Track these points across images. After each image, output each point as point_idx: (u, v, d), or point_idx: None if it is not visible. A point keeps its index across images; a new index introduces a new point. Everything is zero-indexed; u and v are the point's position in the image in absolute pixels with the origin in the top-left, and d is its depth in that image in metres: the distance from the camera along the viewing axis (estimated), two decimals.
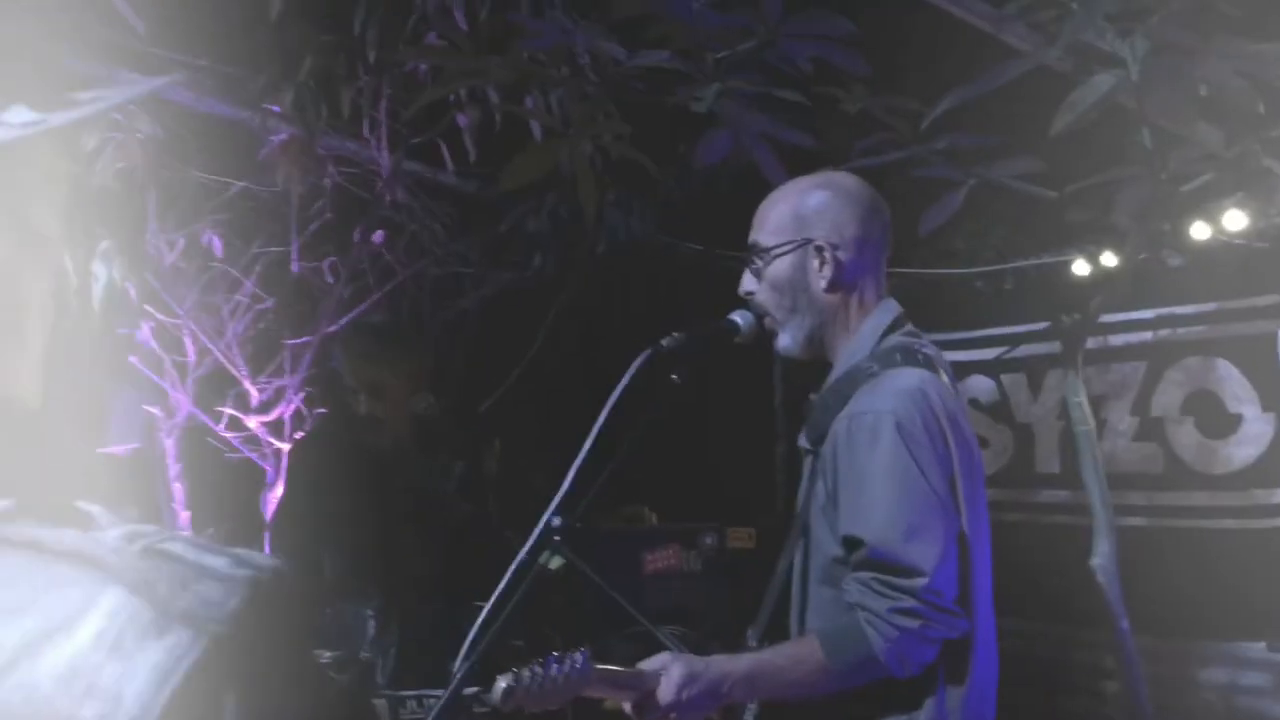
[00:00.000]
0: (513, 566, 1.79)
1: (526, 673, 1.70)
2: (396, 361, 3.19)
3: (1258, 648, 3.68)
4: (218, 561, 0.64)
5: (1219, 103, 2.19)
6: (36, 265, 0.70)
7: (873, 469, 1.87)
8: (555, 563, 1.79)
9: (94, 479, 0.70)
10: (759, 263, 2.05)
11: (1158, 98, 2.11)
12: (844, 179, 2.10)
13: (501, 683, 1.69)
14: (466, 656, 1.77)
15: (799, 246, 2.02)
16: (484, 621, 1.78)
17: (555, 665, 1.73)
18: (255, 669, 0.62)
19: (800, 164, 2.24)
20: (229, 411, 3.79)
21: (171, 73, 3.43)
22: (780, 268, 2.03)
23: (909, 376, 1.93)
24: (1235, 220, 3.18)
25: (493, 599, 1.79)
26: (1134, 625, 3.31)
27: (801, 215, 2.04)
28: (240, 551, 0.65)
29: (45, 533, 0.63)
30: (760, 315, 2.07)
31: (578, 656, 1.75)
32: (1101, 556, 3.05)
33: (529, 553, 1.80)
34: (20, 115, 0.65)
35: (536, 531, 1.81)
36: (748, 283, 2.08)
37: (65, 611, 0.60)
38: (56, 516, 0.65)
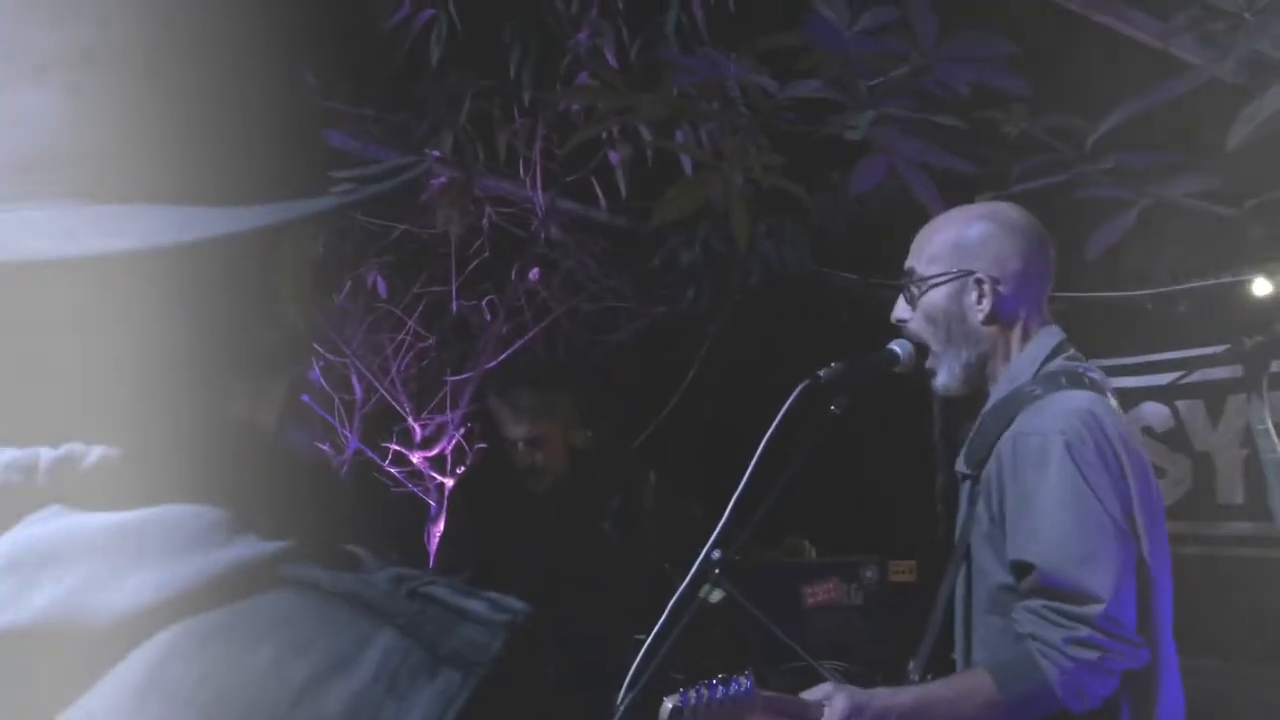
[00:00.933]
0: (673, 600, 1.79)
1: (693, 693, 1.70)
2: (552, 410, 3.23)
3: None
4: (477, 605, 0.66)
5: None
6: (301, 316, 0.74)
7: (1042, 491, 1.80)
8: (715, 596, 1.79)
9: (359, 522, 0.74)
10: (915, 290, 2.01)
11: None
12: (1008, 210, 2.04)
13: (669, 704, 1.69)
14: (629, 690, 1.78)
15: (957, 278, 1.98)
16: (645, 655, 1.78)
17: (720, 688, 1.72)
18: (518, 710, 0.64)
19: (958, 190, 2.20)
20: (394, 447, 3.92)
21: (338, 124, 3.59)
22: (936, 298, 1.99)
23: (1076, 398, 1.86)
24: None
25: (653, 633, 1.79)
26: None
27: (962, 246, 1.99)
28: (494, 595, 0.68)
29: (322, 574, 0.65)
30: (920, 346, 2.03)
31: (743, 680, 1.74)
32: None
33: (689, 586, 1.80)
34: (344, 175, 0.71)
35: (696, 565, 1.80)
36: (901, 310, 2.04)
37: (344, 650, 0.62)
38: (329, 558, 0.67)
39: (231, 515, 0.65)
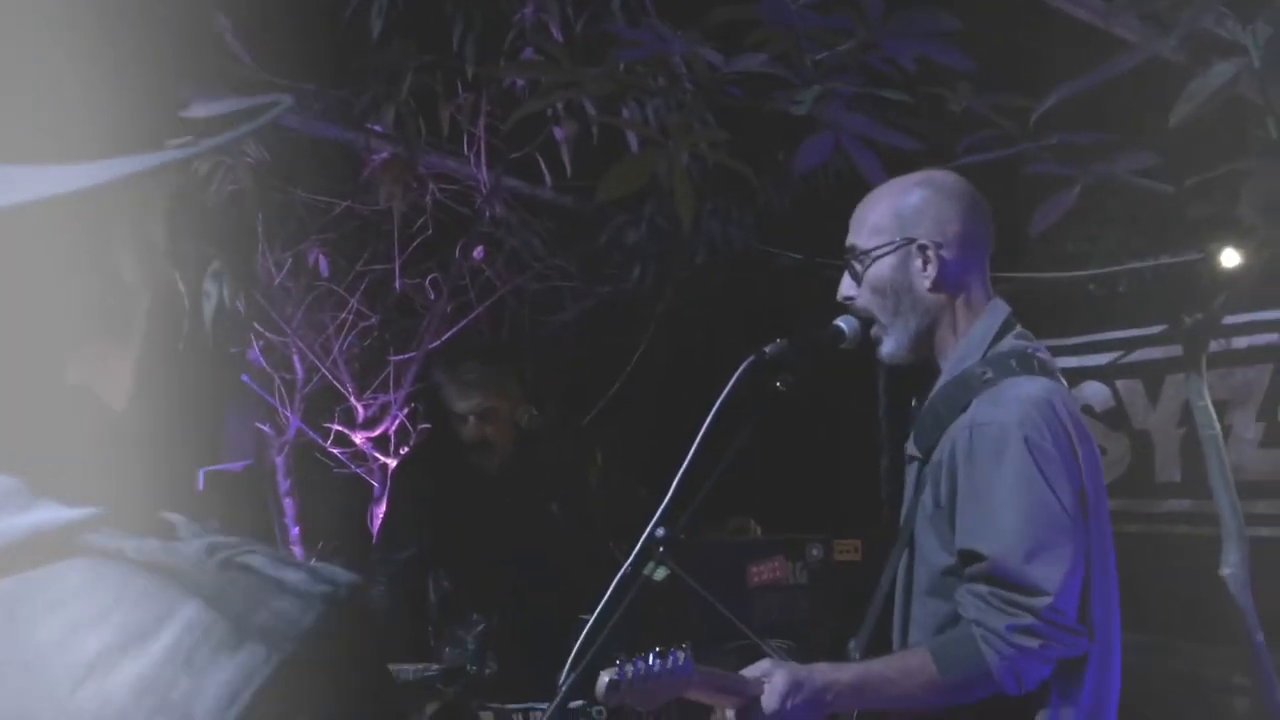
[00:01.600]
0: (617, 578, 1.77)
1: (629, 667, 1.69)
2: (502, 384, 3.21)
3: None
4: (296, 576, 0.63)
5: None
6: (149, 279, 0.71)
7: (997, 484, 1.80)
8: (660, 574, 1.77)
9: (189, 493, 0.70)
10: (859, 266, 2.00)
11: None
12: (943, 176, 2.04)
13: (605, 677, 1.68)
14: (572, 668, 1.76)
15: (900, 246, 1.97)
16: (589, 633, 1.76)
17: (658, 661, 1.71)
18: (328, 687, 0.61)
19: (904, 166, 2.19)
20: (336, 428, 3.86)
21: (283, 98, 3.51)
22: (881, 269, 1.98)
23: (1032, 386, 1.86)
24: None
25: (597, 611, 1.77)
26: (1266, 639, 3.15)
27: (901, 215, 1.98)
28: (320, 566, 0.64)
29: (129, 542, 0.62)
30: (866, 321, 2.02)
31: (679, 654, 1.73)
32: (1232, 566, 2.91)
33: (633, 564, 1.78)
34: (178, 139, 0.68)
35: (640, 543, 1.79)
36: (847, 287, 2.03)
37: (143, 623, 0.59)
38: (141, 525, 0.64)
39: (31, 481, 0.62)
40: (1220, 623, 3.42)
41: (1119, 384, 4.45)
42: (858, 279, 2.01)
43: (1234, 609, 2.95)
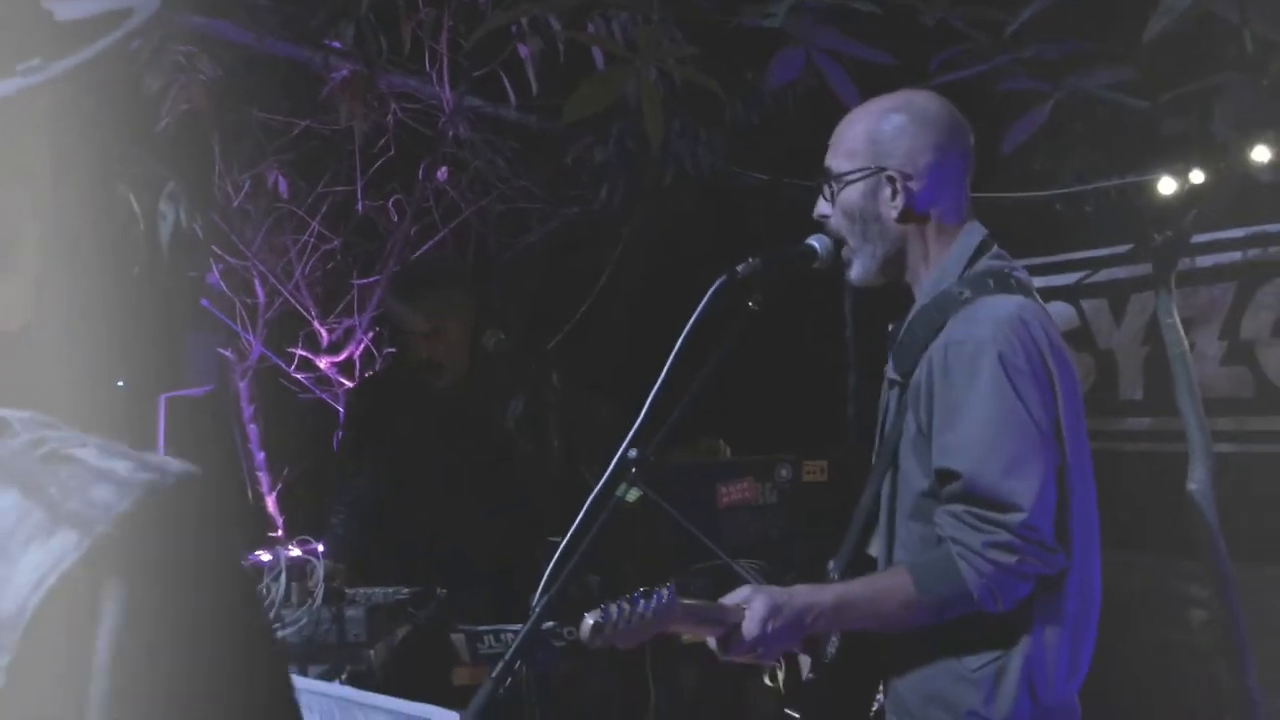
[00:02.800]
0: (589, 500, 1.77)
1: (614, 608, 1.69)
2: (450, 304, 3.16)
3: None
4: (121, 465, 0.62)
5: None
6: (31, 202, 0.70)
7: (972, 401, 1.80)
8: (632, 495, 1.76)
9: (97, 415, 0.69)
10: (832, 188, 1.99)
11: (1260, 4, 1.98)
12: (924, 101, 2.01)
13: (589, 619, 1.67)
14: (545, 590, 1.75)
15: (871, 175, 1.95)
16: (561, 555, 1.76)
17: (642, 601, 1.70)
18: (143, 572, 0.60)
19: (876, 81, 2.15)
20: (300, 353, 3.81)
21: (230, 13, 3.40)
22: (851, 195, 1.97)
23: (1007, 304, 1.86)
24: None
25: (569, 533, 1.76)
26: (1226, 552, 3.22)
27: (876, 140, 1.96)
28: (154, 457, 0.64)
29: None
30: (838, 241, 2.01)
31: (664, 592, 1.73)
32: (1197, 482, 2.95)
33: (605, 485, 1.77)
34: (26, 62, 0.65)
35: (613, 464, 1.78)
36: (822, 207, 2.02)
37: None
38: None
39: None
40: (1179, 537, 3.48)
41: (1084, 304, 4.47)
42: (832, 200, 1.99)
43: (1199, 523, 3.00)
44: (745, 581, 1.94)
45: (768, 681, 3.37)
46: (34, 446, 0.63)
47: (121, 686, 0.58)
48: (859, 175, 1.95)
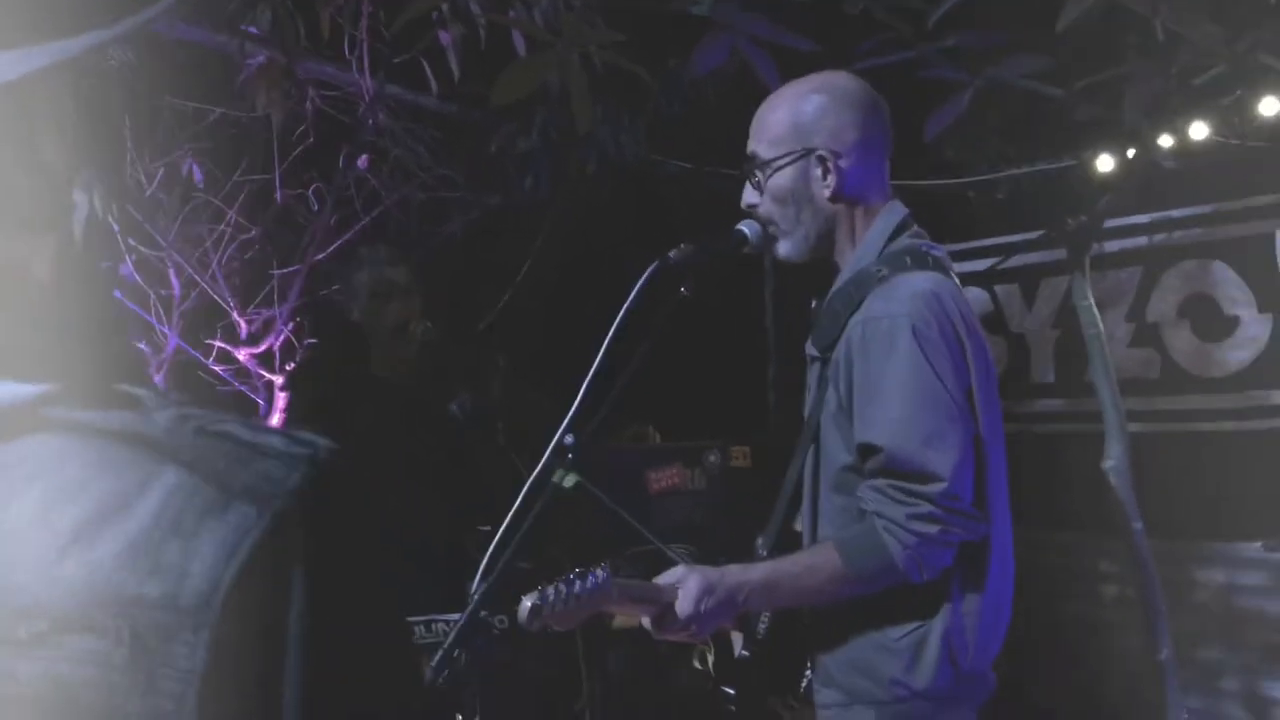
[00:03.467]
0: (526, 486, 1.77)
1: (551, 590, 1.69)
2: (410, 274, 3.15)
3: (1254, 548, 3.71)
4: (274, 440, 0.63)
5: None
6: (70, 164, 0.70)
7: (888, 375, 1.84)
8: (569, 481, 1.77)
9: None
10: (759, 175, 2.00)
11: None
12: (841, 80, 2.04)
13: (527, 601, 1.68)
14: (483, 578, 1.75)
15: (800, 157, 1.97)
16: (498, 543, 1.76)
17: (578, 582, 1.71)
18: (320, 544, 0.61)
19: (800, 69, 2.17)
20: (218, 344, 3.74)
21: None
22: (782, 180, 1.98)
23: (922, 280, 1.90)
24: (1232, 119, 3.14)
25: (506, 520, 1.76)
26: None
27: (800, 124, 1.98)
28: (296, 431, 0.64)
29: (94, 415, 0.61)
30: (766, 226, 2.03)
31: (599, 572, 1.74)
32: (1114, 459, 3.04)
33: (542, 471, 1.78)
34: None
35: (549, 450, 1.78)
36: (749, 195, 2.03)
37: (123, 491, 0.59)
38: (103, 400, 0.63)
39: None
40: (1093, 515, 3.59)
41: (997, 289, 4.57)
42: (759, 188, 2.01)
43: (1114, 500, 3.09)
44: (675, 565, 1.96)
45: (697, 665, 3.42)
46: (182, 422, 0.62)
47: (314, 657, 0.59)
48: (789, 159, 1.97)
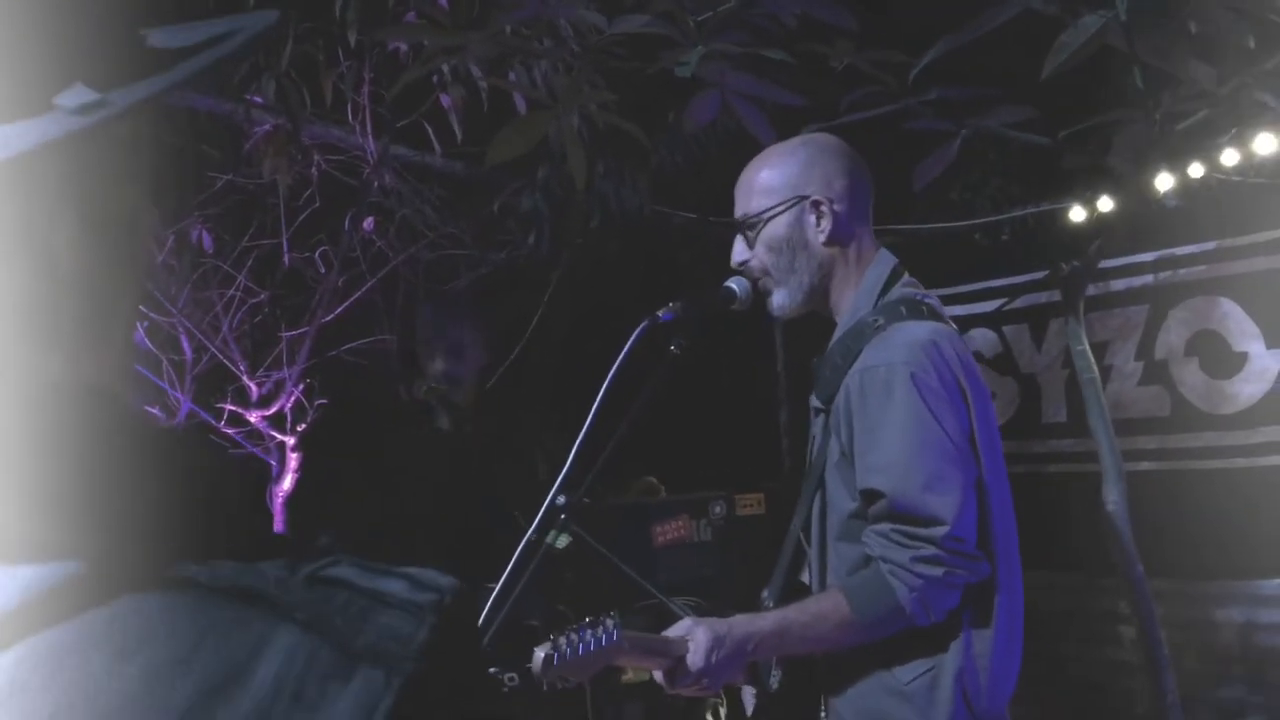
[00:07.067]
0: (520, 546, 1.78)
1: (563, 640, 1.70)
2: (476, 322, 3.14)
3: (1273, 585, 3.68)
4: (395, 586, 0.56)
5: (1210, 39, 2.15)
6: (123, 255, 0.63)
7: (888, 421, 1.85)
8: (562, 541, 1.78)
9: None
10: (751, 232, 2.03)
11: (1147, 37, 2.07)
12: (821, 137, 2.09)
13: (539, 653, 1.69)
14: (480, 636, 1.76)
15: (794, 204, 2.00)
16: (494, 602, 1.77)
17: (589, 633, 1.72)
18: (451, 704, 0.55)
19: (789, 123, 2.21)
20: (229, 408, 3.78)
21: (152, 68, 3.39)
22: (776, 228, 2.01)
23: (920, 329, 1.92)
24: (1231, 157, 3.15)
25: (502, 579, 1.77)
26: (1149, 569, 3.29)
27: (789, 174, 2.02)
28: (414, 571, 0.57)
29: (198, 568, 0.54)
30: (754, 279, 2.05)
31: (608, 623, 1.75)
32: (1112, 503, 3.03)
33: (536, 532, 1.79)
34: (78, 96, 0.56)
35: (542, 511, 1.79)
36: (739, 253, 2.06)
37: (235, 658, 0.52)
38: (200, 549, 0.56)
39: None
40: (1102, 556, 3.56)
41: (1005, 329, 4.58)
42: (750, 244, 2.03)
43: (1115, 542, 3.07)
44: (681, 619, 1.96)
45: (709, 719, 3.39)
46: (291, 570, 0.55)
47: None
48: (782, 206, 2.00)
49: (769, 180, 2.03)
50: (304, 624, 0.53)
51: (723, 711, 3.22)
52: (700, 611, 2.31)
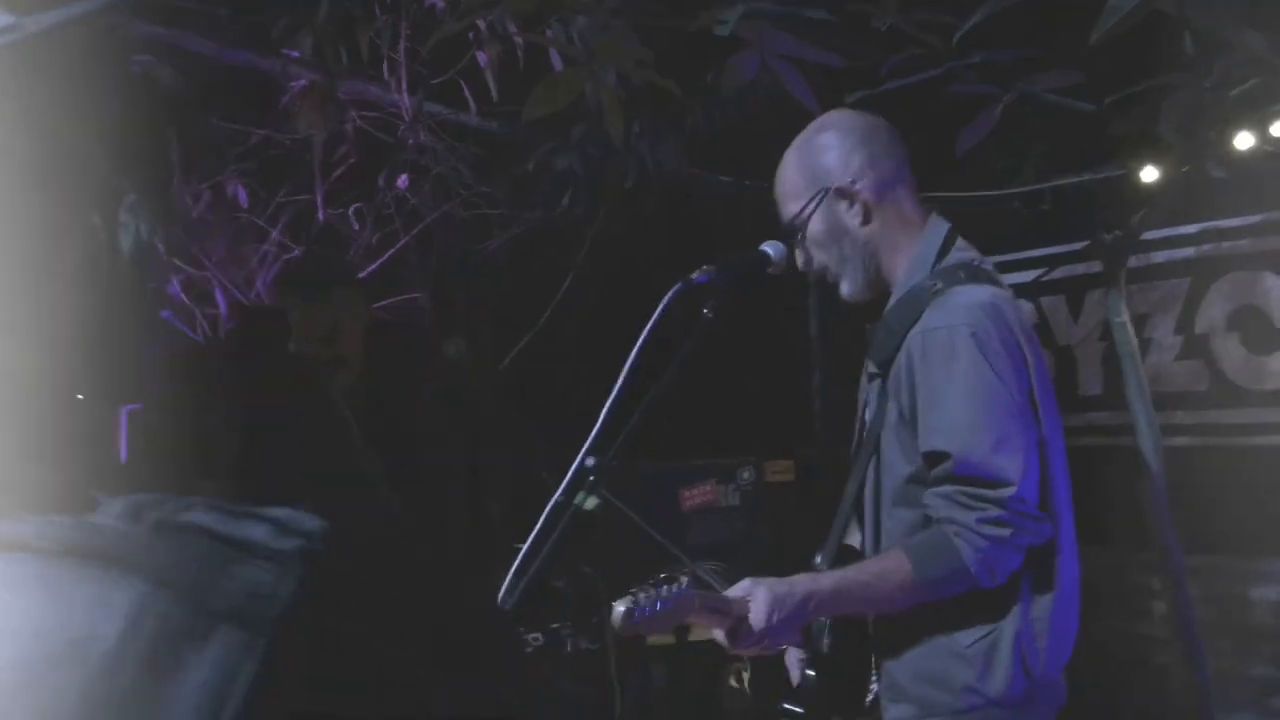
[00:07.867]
0: (548, 507, 1.78)
1: (643, 595, 1.72)
2: (347, 300, 2.96)
3: None
4: (258, 532, 0.49)
5: (1264, 5, 2.10)
6: (72, 221, 0.58)
7: (952, 382, 1.85)
8: (590, 503, 1.78)
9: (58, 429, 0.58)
10: (797, 237, 2.04)
11: (1200, 1, 2.02)
12: (830, 117, 2.10)
13: (620, 606, 1.71)
14: (507, 594, 1.76)
15: (820, 199, 2.00)
16: (522, 561, 1.77)
17: (665, 589, 1.74)
18: (326, 666, 0.48)
19: (830, 84, 2.19)
20: None
21: (190, 23, 3.38)
22: (815, 226, 2.04)
23: (979, 292, 1.92)
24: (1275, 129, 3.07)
25: (529, 540, 1.77)
26: (1185, 545, 3.26)
27: (808, 170, 2.05)
28: (279, 513, 0.50)
29: (28, 528, 0.48)
30: (791, 246, 2.06)
31: (683, 580, 1.77)
32: (1148, 478, 2.99)
33: (564, 493, 1.79)
34: None
35: (571, 472, 1.79)
36: (801, 263, 2.09)
37: (75, 625, 0.46)
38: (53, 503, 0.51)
39: None
40: (1139, 530, 3.52)
41: (1043, 300, 4.51)
42: (803, 248, 2.05)
43: (1150, 517, 3.04)
44: (707, 585, 1.97)
45: (733, 683, 3.40)
46: (134, 518, 0.49)
47: None
48: (812, 204, 2.02)
49: (791, 184, 2.06)
50: (154, 580, 0.47)
51: (746, 676, 3.22)
52: (725, 576, 2.31)
